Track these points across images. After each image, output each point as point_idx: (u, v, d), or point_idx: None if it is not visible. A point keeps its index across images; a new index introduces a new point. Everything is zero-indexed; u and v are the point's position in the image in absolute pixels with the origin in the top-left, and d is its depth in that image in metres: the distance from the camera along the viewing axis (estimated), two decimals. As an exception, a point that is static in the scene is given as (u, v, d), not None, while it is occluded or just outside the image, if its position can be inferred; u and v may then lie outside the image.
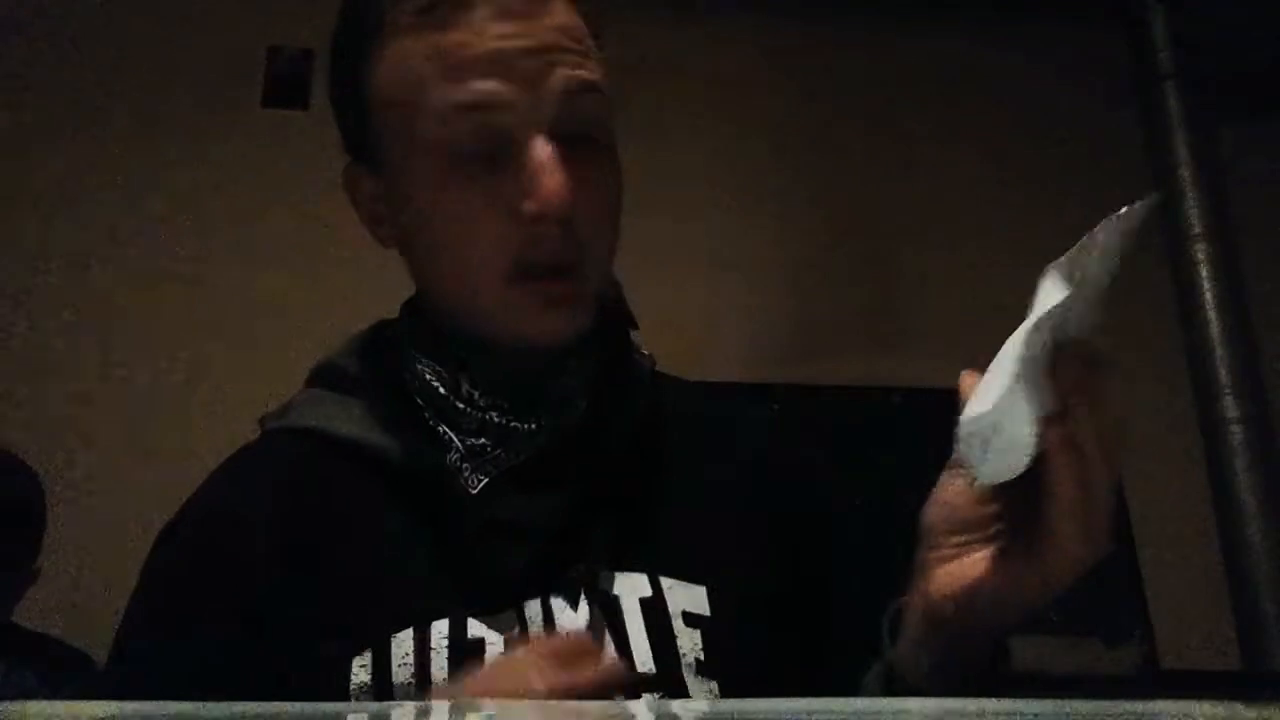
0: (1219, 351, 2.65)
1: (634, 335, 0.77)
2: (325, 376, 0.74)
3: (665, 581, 0.65)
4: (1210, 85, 2.88)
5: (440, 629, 0.61)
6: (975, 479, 0.54)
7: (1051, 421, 0.52)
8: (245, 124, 2.70)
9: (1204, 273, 2.72)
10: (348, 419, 0.69)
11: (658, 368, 0.78)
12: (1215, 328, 2.67)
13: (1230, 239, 2.78)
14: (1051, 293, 0.52)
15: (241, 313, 2.51)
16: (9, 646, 1.51)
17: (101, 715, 0.46)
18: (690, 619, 0.65)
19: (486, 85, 0.61)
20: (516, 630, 0.62)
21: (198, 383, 2.41)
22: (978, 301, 2.37)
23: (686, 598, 0.65)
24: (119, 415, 2.39)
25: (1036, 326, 0.52)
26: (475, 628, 0.62)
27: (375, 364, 0.72)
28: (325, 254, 2.57)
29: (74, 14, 2.69)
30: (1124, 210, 0.55)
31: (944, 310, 2.65)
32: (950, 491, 0.57)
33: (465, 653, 0.61)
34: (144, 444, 2.34)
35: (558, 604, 0.63)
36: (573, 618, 0.63)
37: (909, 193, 2.88)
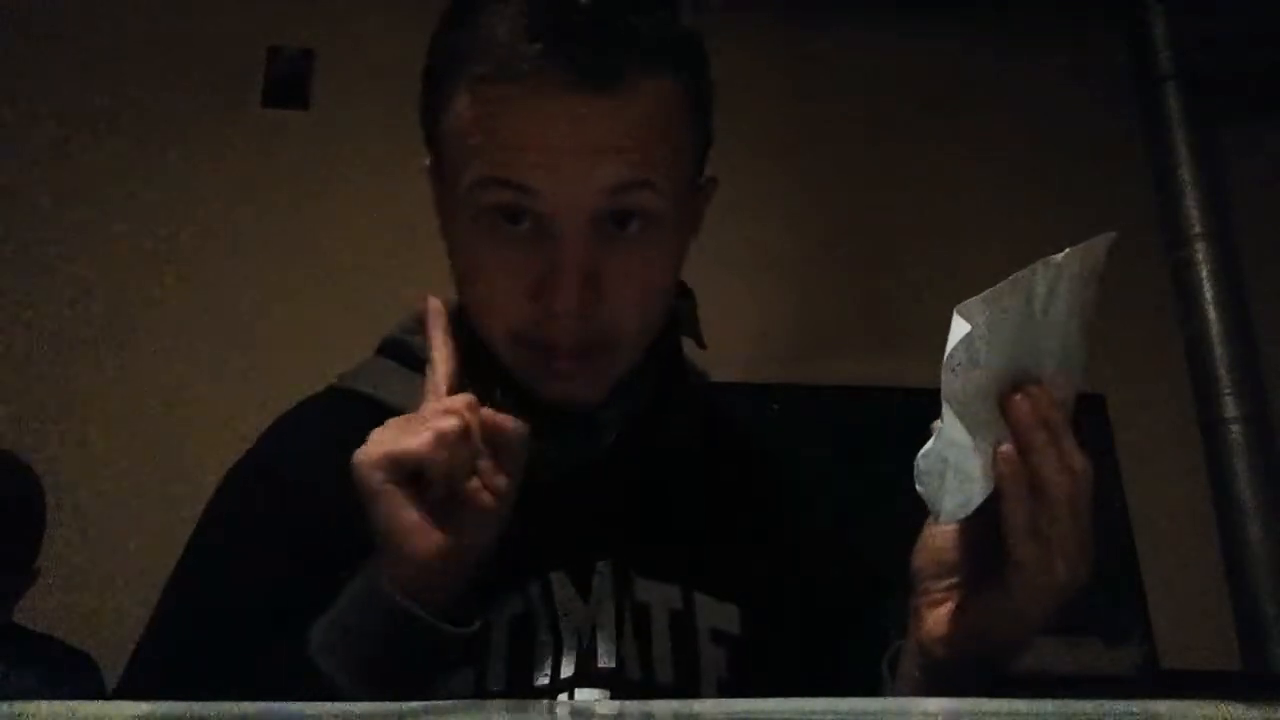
0: (1219, 351, 2.65)
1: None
2: (391, 349, 0.75)
3: (698, 597, 0.66)
4: (1210, 85, 2.88)
5: None
6: (939, 516, 0.55)
7: (1002, 453, 0.53)
8: (245, 124, 2.69)
9: (1204, 272, 2.72)
10: (405, 393, 0.70)
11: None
12: (1215, 328, 2.67)
13: (1230, 239, 2.78)
14: (956, 331, 0.53)
15: (241, 312, 2.51)
16: (10, 647, 1.51)
17: (105, 715, 0.46)
18: (718, 637, 0.65)
19: (523, 172, 0.60)
20: (520, 607, 0.63)
21: (197, 382, 2.41)
22: (978, 301, 2.35)
23: (718, 615, 0.66)
24: (119, 416, 2.38)
25: (947, 366, 0.53)
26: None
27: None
28: (325, 254, 2.57)
29: (73, 13, 2.69)
30: (1074, 248, 0.56)
31: (944, 310, 2.64)
32: (935, 536, 0.59)
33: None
34: (144, 445, 2.33)
35: (566, 591, 0.64)
36: (582, 609, 0.63)
37: (909, 193, 2.88)
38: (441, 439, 0.54)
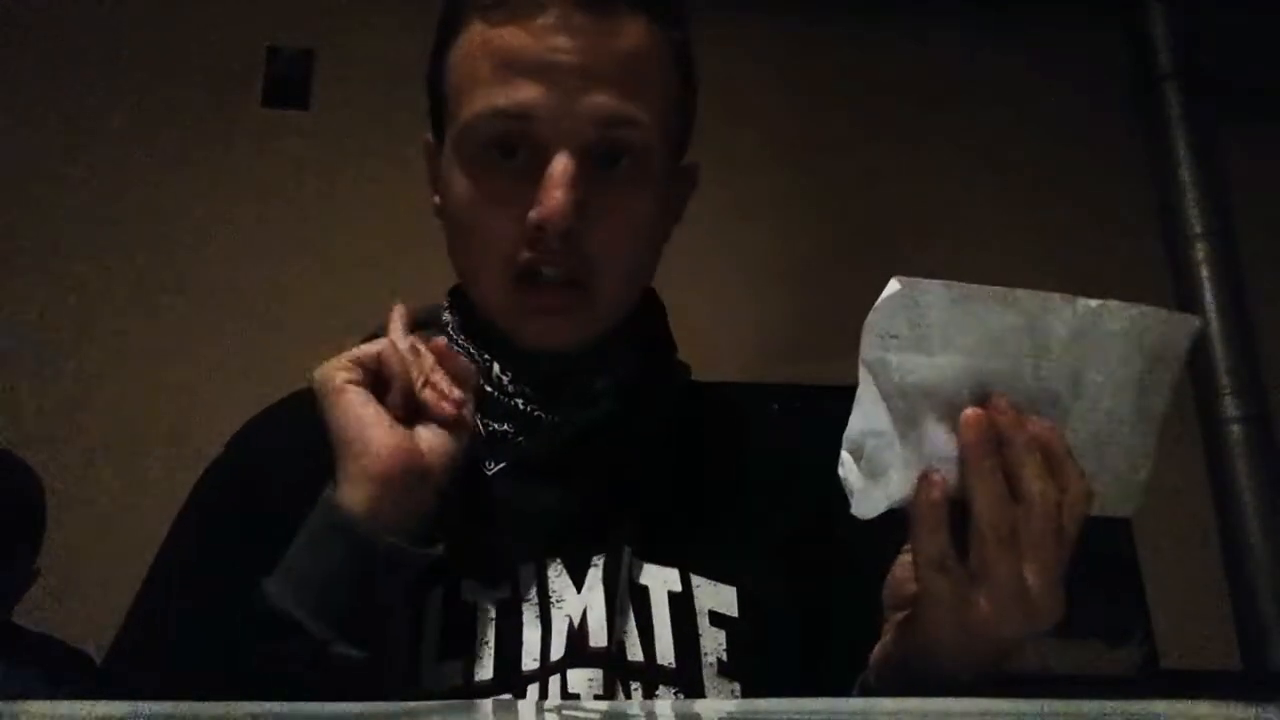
0: (1219, 351, 2.65)
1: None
2: None
3: (695, 579, 0.66)
4: (1210, 85, 2.88)
5: (436, 592, 0.62)
6: (852, 509, 0.50)
7: (928, 474, 0.48)
8: (245, 124, 2.69)
9: (1204, 273, 2.72)
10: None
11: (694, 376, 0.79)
12: (1215, 328, 2.67)
13: (1230, 239, 2.78)
14: (890, 292, 0.47)
15: (241, 312, 2.51)
16: (9, 646, 1.51)
17: (104, 715, 0.46)
18: (716, 619, 0.65)
19: (524, 94, 0.62)
20: (509, 593, 0.63)
21: (197, 382, 2.41)
22: (978, 301, 2.35)
23: (715, 597, 0.66)
24: (119, 415, 2.39)
25: (873, 330, 0.47)
26: (469, 591, 0.63)
27: (425, 331, 0.74)
28: (325, 254, 2.57)
29: (74, 14, 2.69)
30: (1121, 304, 0.48)
31: (944, 310, 2.64)
32: (899, 567, 0.57)
33: (457, 615, 0.62)
34: (144, 444, 2.34)
35: (561, 580, 0.64)
36: (575, 596, 0.63)
37: (909, 193, 2.88)
38: (395, 346, 0.60)
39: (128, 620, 0.66)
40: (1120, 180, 2.91)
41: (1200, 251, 2.73)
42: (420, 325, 0.75)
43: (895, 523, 0.56)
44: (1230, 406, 2.60)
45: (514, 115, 0.62)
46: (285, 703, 0.46)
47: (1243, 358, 2.66)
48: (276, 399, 0.76)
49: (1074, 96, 2.96)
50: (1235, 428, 2.59)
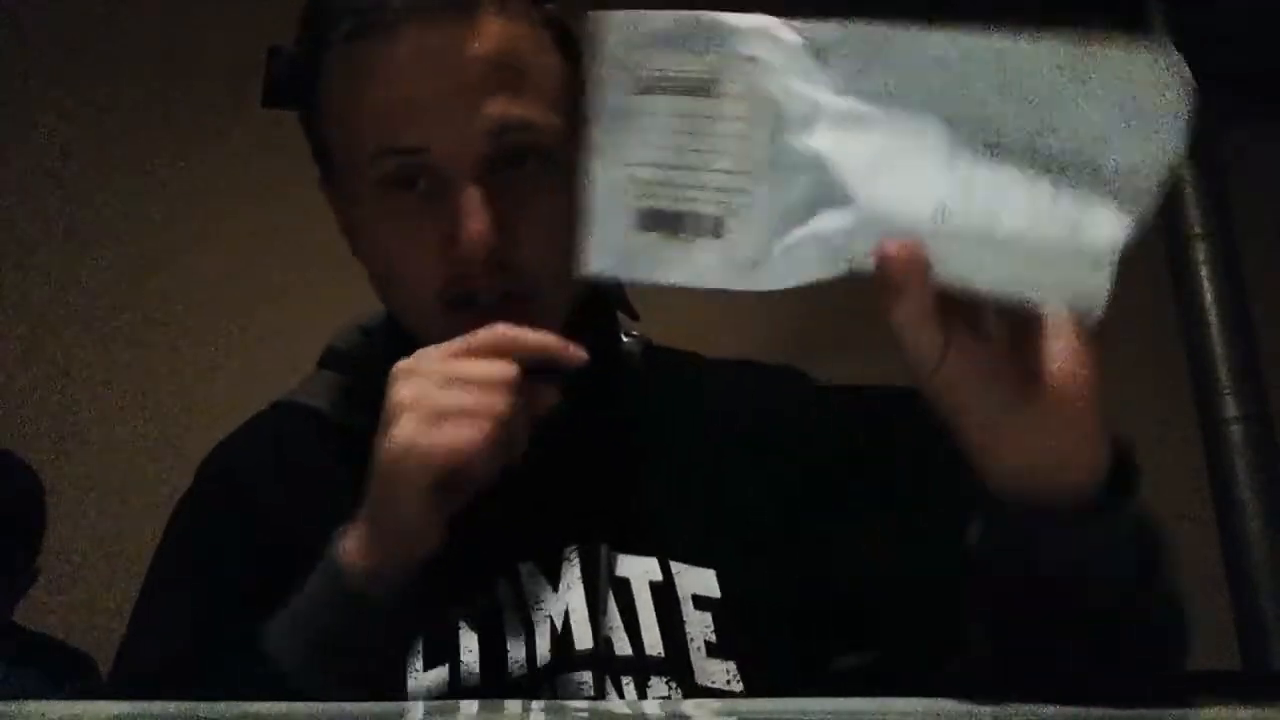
0: (1219, 351, 2.65)
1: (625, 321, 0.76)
2: (330, 360, 0.76)
3: (675, 566, 0.65)
4: (1211, 85, 2.87)
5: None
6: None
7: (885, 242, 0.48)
8: (245, 124, 2.69)
9: (1204, 273, 2.72)
10: (345, 402, 0.71)
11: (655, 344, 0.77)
12: (1215, 328, 2.67)
13: (1230, 239, 2.78)
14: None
15: (241, 312, 2.51)
16: (10, 647, 1.51)
17: (104, 716, 0.46)
18: (700, 602, 0.64)
19: (409, 132, 0.60)
20: (488, 602, 0.62)
21: (198, 381, 2.41)
22: (978, 301, 2.34)
23: (696, 581, 0.65)
24: (119, 415, 2.38)
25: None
26: (447, 604, 0.62)
27: (373, 350, 0.73)
28: (325, 254, 2.56)
29: (74, 14, 2.69)
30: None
31: (944, 310, 2.64)
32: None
33: (439, 628, 0.62)
34: (144, 444, 2.33)
35: (536, 582, 0.63)
36: (553, 596, 0.63)
37: (909, 193, 2.88)
38: (499, 429, 0.52)
39: (125, 649, 0.66)
40: (1120, 180, 2.91)
41: (1200, 251, 2.73)
42: (375, 334, 0.75)
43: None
44: (1230, 406, 2.60)
45: (407, 151, 0.60)
46: (285, 703, 0.46)
47: (1243, 358, 2.66)
48: (275, 398, 0.76)
49: (1074, 96, 2.96)
50: (1235, 428, 2.59)
